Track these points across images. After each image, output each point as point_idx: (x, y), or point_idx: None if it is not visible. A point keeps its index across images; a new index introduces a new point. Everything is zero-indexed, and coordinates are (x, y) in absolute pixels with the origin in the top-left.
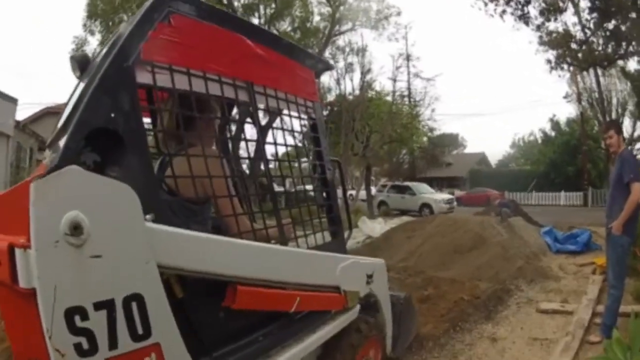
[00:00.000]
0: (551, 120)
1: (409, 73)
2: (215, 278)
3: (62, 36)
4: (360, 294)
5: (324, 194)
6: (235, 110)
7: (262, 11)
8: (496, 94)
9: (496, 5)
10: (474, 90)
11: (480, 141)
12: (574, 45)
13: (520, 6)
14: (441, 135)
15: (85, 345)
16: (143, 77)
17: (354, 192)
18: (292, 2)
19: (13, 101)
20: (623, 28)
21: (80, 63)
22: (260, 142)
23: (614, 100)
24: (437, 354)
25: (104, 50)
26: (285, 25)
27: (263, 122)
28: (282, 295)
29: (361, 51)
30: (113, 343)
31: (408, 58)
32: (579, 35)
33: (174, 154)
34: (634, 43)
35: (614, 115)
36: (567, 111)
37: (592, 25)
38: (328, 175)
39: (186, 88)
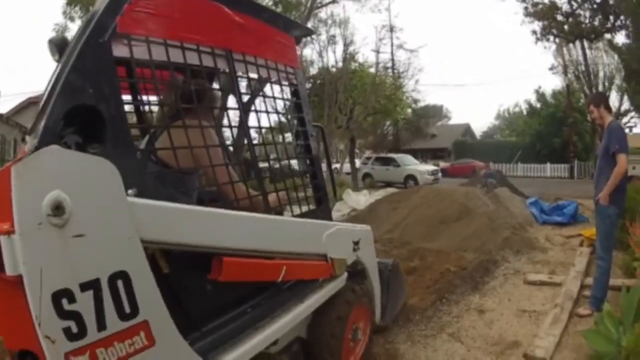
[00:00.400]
0: (536, 91)
1: (392, 44)
2: (200, 250)
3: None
4: (348, 262)
5: (307, 161)
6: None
7: None
8: (480, 65)
9: None
10: (458, 61)
11: (465, 112)
12: (560, 17)
13: None
14: (425, 106)
15: (74, 329)
16: (120, 51)
17: (338, 165)
18: None
19: None
20: (611, 1)
21: (59, 46)
22: (242, 111)
23: (601, 74)
24: (424, 326)
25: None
26: (266, 0)
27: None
28: (268, 265)
29: (343, 23)
30: (101, 324)
31: (391, 29)
32: (565, 7)
33: (159, 125)
34: (622, 17)
35: (600, 89)
36: (553, 83)
37: None
38: (311, 141)
39: (164, 59)
